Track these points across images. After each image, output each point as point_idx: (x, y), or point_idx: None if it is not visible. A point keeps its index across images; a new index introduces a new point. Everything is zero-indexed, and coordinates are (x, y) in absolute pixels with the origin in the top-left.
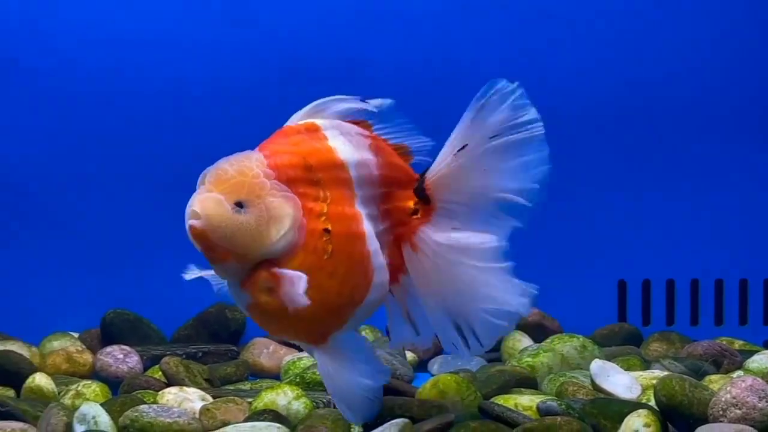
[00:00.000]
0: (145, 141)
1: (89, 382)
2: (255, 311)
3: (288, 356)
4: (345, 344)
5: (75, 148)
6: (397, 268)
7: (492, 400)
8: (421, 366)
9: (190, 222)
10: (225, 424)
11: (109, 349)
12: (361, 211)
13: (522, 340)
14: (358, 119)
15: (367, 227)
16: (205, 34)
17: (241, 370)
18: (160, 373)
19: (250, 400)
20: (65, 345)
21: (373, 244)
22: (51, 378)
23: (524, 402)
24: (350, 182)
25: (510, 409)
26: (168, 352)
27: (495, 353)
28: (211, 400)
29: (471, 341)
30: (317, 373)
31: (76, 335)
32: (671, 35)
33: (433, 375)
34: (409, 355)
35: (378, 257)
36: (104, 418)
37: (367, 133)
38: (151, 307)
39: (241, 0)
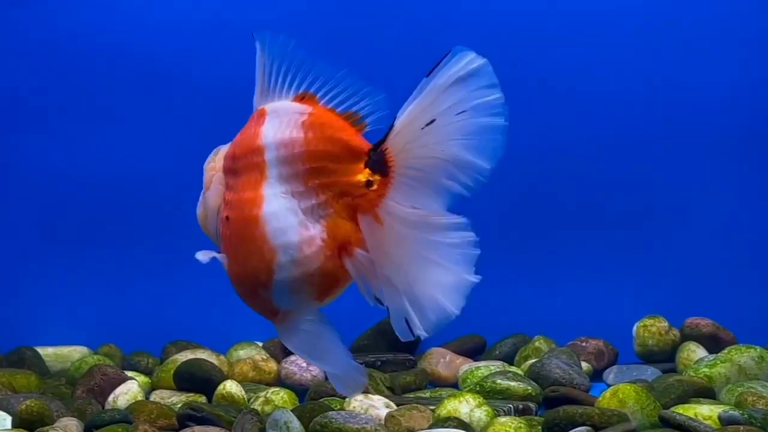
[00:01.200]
0: None
1: (277, 389)
2: None
3: (465, 365)
4: (305, 327)
5: None
6: (345, 242)
7: (671, 409)
8: (597, 375)
9: None
10: (410, 430)
11: (292, 357)
12: (268, 192)
13: (697, 351)
14: (303, 92)
15: (271, 207)
16: None
17: (420, 379)
18: None
19: (432, 407)
20: (251, 354)
21: (274, 223)
22: (240, 385)
23: (704, 412)
24: (262, 165)
25: (691, 419)
26: None
27: (670, 364)
28: (394, 407)
29: (417, 321)
30: (496, 382)
31: (260, 344)
32: None
33: (608, 384)
34: (585, 365)
35: (283, 236)
36: (295, 424)
37: (306, 109)
38: (330, 317)
39: None
